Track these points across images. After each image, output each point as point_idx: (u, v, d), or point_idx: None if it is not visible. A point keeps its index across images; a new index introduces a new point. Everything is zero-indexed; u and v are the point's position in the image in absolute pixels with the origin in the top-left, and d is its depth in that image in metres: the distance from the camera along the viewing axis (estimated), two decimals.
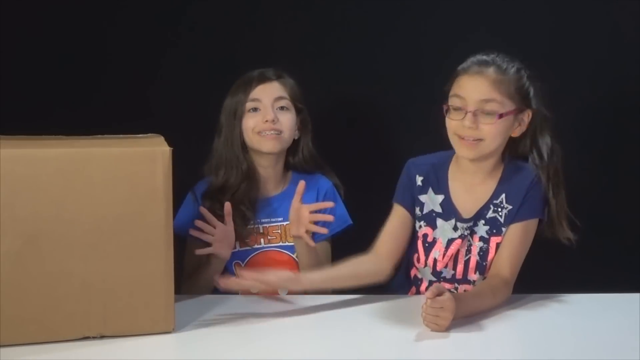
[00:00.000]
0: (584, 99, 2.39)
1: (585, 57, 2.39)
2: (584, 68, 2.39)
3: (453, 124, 1.81)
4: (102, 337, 1.58)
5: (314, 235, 2.00)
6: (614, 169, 2.45)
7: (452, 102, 1.81)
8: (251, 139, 2.02)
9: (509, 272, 1.81)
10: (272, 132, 2.00)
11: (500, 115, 1.78)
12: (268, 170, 2.07)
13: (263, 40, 2.44)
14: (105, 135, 1.73)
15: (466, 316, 1.67)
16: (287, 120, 2.02)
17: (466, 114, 1.78)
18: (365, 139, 2.44)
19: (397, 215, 1.94)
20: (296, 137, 2.08)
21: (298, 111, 2.06)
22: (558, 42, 2.38)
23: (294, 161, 2.10)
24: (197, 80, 2.42)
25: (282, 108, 2.02)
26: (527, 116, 1.84)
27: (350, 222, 2.10)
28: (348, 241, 2.10)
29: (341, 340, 1.63)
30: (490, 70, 1.79)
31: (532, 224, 1.85)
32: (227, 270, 2.04)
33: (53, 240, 1.54)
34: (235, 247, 2.03)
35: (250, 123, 2.01)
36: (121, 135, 1.74)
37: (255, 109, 2.02)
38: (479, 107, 1.78)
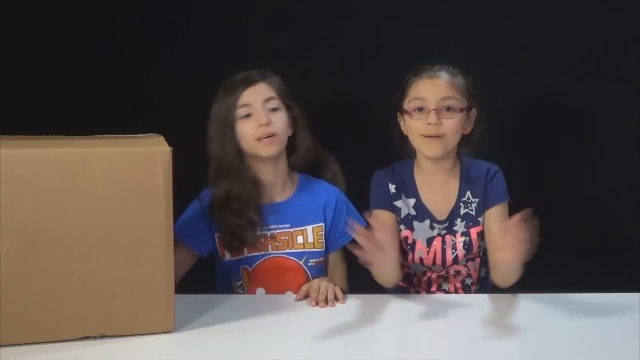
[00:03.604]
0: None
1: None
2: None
3: (417, 124, 1.94)
4: (102, 337, 1.58)
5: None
6: (614, 169, 2.46)
7: (413, 104, 1.95)
8: (249, 145, 1.99)
9: None
10: (268, 136, 1.97)
11: (461, 110, 1.93)
12: (270, 176, 2.03)
13: (264, 40, 2.44)
14: (105, 135, 1.73)
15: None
16: (280, 121, 1.99)
17: (429, 112, 1.91)
18: (360, 136, 2.44)
19: (387, 220, 1.99)
20: (290, 134, 2.04)
21: (288, 108, 2.03)
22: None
23: (294, 160, 2.07)
24: (198, 80, 2.42)
25: (273, 109, 1.99)
26: (473, 114, 1.99)
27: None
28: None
29: (341, 340, 1.63)
30: (443, 74, 1.96)
31: (504, 207, 1.98)
32: (234, 274, 2.03)
33: (53, 240, 1.54)
34: (244, 253, 2.02)
35: (246, 129, 1.97)
36: (121, 135, 1.75)
37: (247, 115, 1.98)
38: (440, 104, 1.92)
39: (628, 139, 2.44)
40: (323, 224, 2.06)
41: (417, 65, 2.00)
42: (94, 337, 1.58)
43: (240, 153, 2.01)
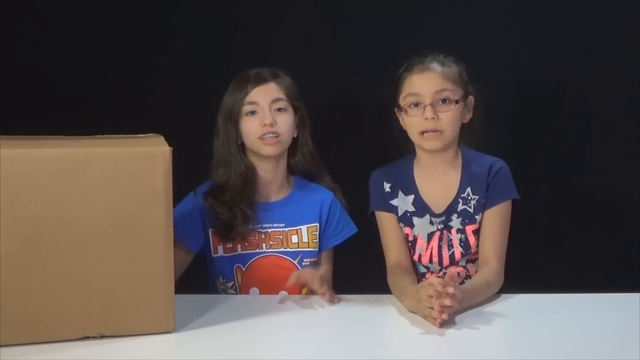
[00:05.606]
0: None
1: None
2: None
3: (415, 120, 1.92)
4: (102, 337, 1.58)
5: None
6: (615, 168, 2.45)
7: (408, 100, 1.93)
8: (252, 143, 2.01)
9: (496, 261, 1.90)
10: (272, 135, 1.98)
11: (457, 101, 1.91)
12: (269, 174, 2.05)
13: (262, 39, 2.44)
14: (105, 135, 1.73)
15: (465, 307, 1.74)
16: (285, 122, 2.00)
17: (425, 107, 1.89)
18: (363, 138, 2.44)
19: (387, 221, 2.00)
20: (295, 136, 2.06)
21: (295, 110, 2.04)
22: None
23: (294, 160, 2.08)
24: (197, 80, 2.42)
25: (279, 109, 2.00)
26: (470, 102, 1.97)
27: (356, 229, 2.10)
28: (348, 243, 2.12)
29: (341, 340, 1.63)
30: (434, 65, 1.93)
31: (505, 207, 1.94)
32: (226, 274, 2.04)
33: (53, 240, 1.54)
34: (237, 250, 2.03)
35: (249, 127, 2.00)
36: (121, 135, 1.75)
37: (253, 112, 2.00)
38: (435, 98, 1.89)
39: (629, 137, 2.44)
40: (318, 224, 2.07)
41: (408, 59, 1.98)
42: (94, 337, 1.58)
43: (241, 148, 2.03)
